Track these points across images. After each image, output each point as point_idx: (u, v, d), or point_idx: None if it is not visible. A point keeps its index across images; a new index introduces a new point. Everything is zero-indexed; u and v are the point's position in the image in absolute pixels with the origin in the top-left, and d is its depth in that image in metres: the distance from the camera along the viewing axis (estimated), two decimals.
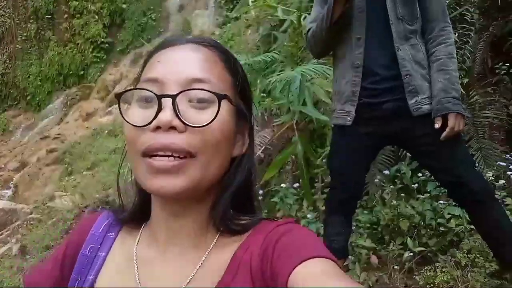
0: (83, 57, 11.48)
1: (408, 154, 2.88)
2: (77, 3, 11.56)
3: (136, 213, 0.69)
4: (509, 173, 2.39)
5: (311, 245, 0.57)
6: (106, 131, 8.32)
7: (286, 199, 2.72)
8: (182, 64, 0.61)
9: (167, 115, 0.57)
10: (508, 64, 3.08)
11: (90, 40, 11.48)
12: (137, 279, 0.63)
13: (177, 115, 0.57)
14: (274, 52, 3.82)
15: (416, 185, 2.72)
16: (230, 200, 0.64)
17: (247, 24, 6.94)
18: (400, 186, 2.75)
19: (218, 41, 0.69)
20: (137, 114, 0.60)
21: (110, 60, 11.49)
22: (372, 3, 1.88)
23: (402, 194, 2.72)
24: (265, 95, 4.09)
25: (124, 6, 11.51)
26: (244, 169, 0.66)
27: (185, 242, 0.64)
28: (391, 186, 2.75)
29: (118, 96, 0.62)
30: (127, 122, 0.60)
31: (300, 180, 3.24)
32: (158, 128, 0.57)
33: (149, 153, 0.58)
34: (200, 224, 0.64)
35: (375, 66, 1.86)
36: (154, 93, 0.59)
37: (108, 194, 4.72)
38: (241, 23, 7.11)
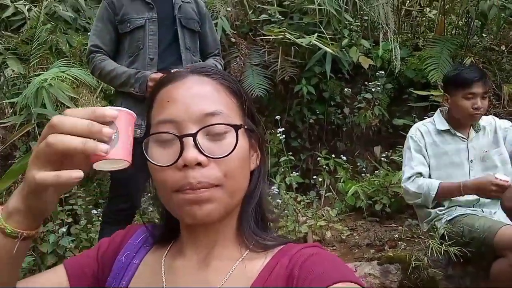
0: None
1: None
2: None
3: (166, 233, 0.75)
4: None
5: (339, 269, 0.59)
6: None
7: None
8: (192, 101, 0.65)
9: (192, 153, 0.61)
10: None
11: None
12: (164, 286, 0.67)
13: (200, 152, 0.62)
14: None
15: None
16: (254, 211, 0.69)
17: None
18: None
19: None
20: (159, 154, 0.64)
21: None
22: (163, 28, 2.15)
23: None
24: None
25: None
26: (261, 179, 0.71)
27: (212, 253, 0.68)
28: None
29: (141, 143, 0.65)
30: (154, 164, 0.64)
31: None
32: (185, 165, 0.61)
33: (181, 190, 0.62)
34: (227, 237, 0.68)
35: None
36: (176, 135, 0.63)
37: None
38: None
